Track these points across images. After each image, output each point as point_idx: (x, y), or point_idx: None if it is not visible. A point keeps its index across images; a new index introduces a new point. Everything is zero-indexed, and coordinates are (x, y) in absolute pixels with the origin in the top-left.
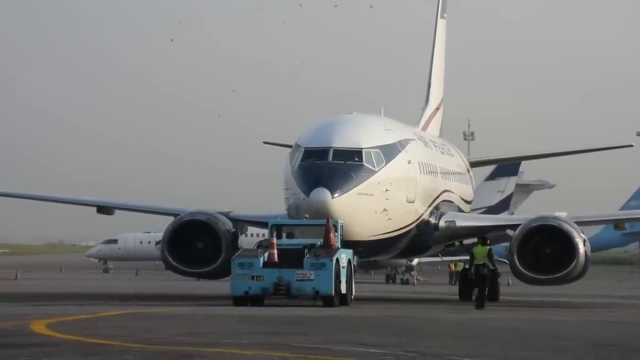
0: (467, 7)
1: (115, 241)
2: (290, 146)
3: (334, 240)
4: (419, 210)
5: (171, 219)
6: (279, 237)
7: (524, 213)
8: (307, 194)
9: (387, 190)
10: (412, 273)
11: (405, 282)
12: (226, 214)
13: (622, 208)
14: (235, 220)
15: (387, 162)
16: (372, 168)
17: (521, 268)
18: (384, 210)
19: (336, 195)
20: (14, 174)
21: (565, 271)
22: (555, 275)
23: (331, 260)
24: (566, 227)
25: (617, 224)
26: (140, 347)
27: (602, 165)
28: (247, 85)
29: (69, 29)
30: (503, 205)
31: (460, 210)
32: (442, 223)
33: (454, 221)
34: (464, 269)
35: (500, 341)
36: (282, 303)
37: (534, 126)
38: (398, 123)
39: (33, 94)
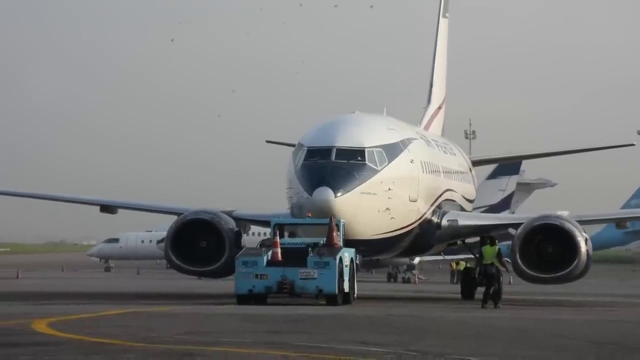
0: (468, 5)
1: (116, 240)
2: (293, 145)
3: (337, 239)
4: (421, 209)
5: (174, 218)
6: (281, 236)
7: (525, 212)
8: (310, 193)
9: (389, 189)
10: (414, 272)
11: (406, 281)
12: (229, 213)
13: (624, 207)
14: (239, 219)
15: (389, 162)
16: (374, 167)
17: (523, 267)
18: (387, 209)
19: (339, 194)
20: (14, 173)
21: (567, 270)
22: (557, 274)
23: (335, 259)
24: (568, 226)
25: (619, 222)
26: (141, 346)
27: (603, 164)
28: (249, 85)
29: (69, 29)
30: (504, 204)
31: (462, 209)
32: (444, 222)
33: (456, 220)
34: (466, 268)
35: (502, 340)
36: (284, 302)
37: (535, 125)
38: (400, 122)
39: (34, 93)
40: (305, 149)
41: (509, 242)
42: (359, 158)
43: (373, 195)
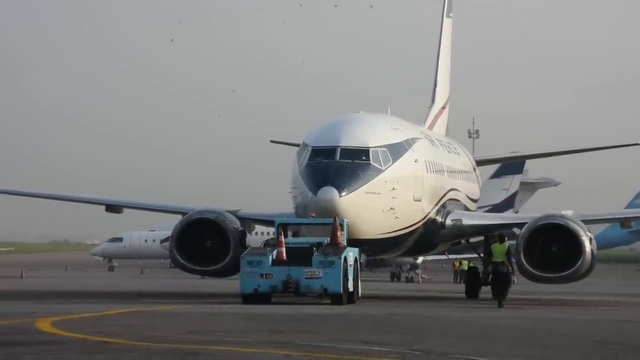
0: (472, 4)
1: (120, 239)
2: (297, 145)
3: (341, 239)
4: (425, 208)
5: (178, 217)
6: (285, 236)
7: (529, 211)
8: (315, 193)
9: (394, 189)
10: (417, 271)
11: (409, 280)
12: (234, 213)
13: (628, 206)
14: (243, 219)
15: (394, 161)
16: (379, 167)
17: (528, 266)
18: (391, 208)
19: (343, 194)
20: (15, 172)
21: (572, 269)
22: (562, 274)
23: (340, 258)
24: (572, 225)
25: (624, 222)
26: (145, 345)
27: (607, 163)
28: (252, 85)
29: (70, 29)
30: (508, 204)
31: (466, 208)
32: (448, 221)
33: (460, 220)
34: (471, 267)
35: (506, 339)
36: (287, 301)
37: (538, 124)
38: (405, 122)
39: (35, 93)
40: (310, 148)
41: (513, 242)
42: (364, 158)
43: (377, 195)
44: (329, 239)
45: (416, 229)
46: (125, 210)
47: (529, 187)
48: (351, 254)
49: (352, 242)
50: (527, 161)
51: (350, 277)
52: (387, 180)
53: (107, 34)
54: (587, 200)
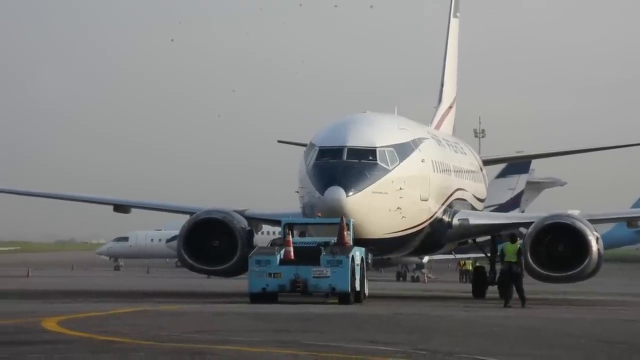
0: (479, 4)
1: (126, 239)
2: (304, 145)
3: (348, 238)
4: (432, 208)
5: (185, 217)
6: (291, 235)
7: (535, 211)
8: (322, 193)
9: (401, 188)
10: (423, 271)
11: (415, 280)
12: (241, 213)
13: (635, 205)
14: (251, 219)
15: (401, 161)
16: (386, 167)
17: (534, 266)
18: (398, 208)
19: (350, 193)
20: (15, 172)
21: (578, 269)
22: (568, 273)
23: (347, 257)
24: (579, 225)
25: (630, 221)
26: (151, 345)
27: (613, 163)
28: (254, 85)
29: (70, 29)
30: (514, 203)
31: (473, 208)
32: (455, 221)
33: (467, 219)
34: (477, 267)
35: (512, 339)
36: (294, 300)
37: (545, 123)
38: (412, 122)
39: (35, 94)
40: (317, 148)
41: (520, 241)
42: (371, 158)
43: (384, 195)
44: (335, 238)
45: (423, 228)
46: (132, 210)
47: (535, 187)
48: (358, 253)
49: (359, 241)
50: (533, 161)
51: (357, 277)
52: (394, 180)
53: (108, 34)
54: (593, 199)
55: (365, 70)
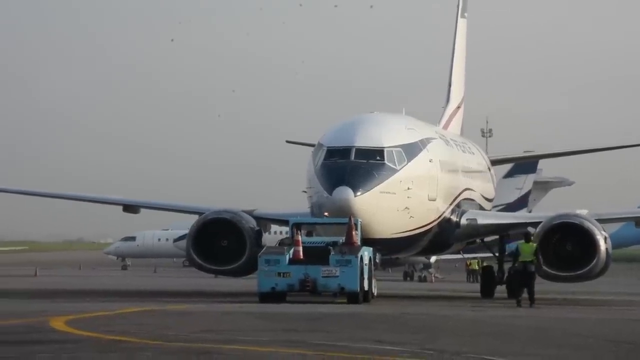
0: (486, 3)
1: (133, 238)
2: (312, 145)
3: (356, 238)
4: (440, 208)
5: (194, 217)
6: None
7: (543, 210)
8: (330, 193)
9: (408, 188)
10: (430, 270)
11: (422, 280)
12: (250, 212)
13: None
14: (259, 219)
15: (408, 161)
16: (394, 167)
17: (543, 265)
18: (406, 208)
19: (359, 193)
20: (15, 172)
21: (587, 268)
22: (577, 273)
23: (356, 257)
24: (587, 224)
25: (638, 221)
26: (158, 344)
27: (621, 162)
28: (254, 85)
29: (70, 29)
30: (521, 203)
31: (481, 208)
32: (463, 221)
33: (475, 219)
34: (485, 266)
35: (519, 339)
36: (302, 300)
37: (552, 123)
38: (419, 122)
39: (36, 94)
40: (325, 148)
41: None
42: (378, 158)
43: (392, 195)
44: (343, 238)
45: (431, 228)
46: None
47: (543, 186)
48: (366, 253)
49: (367, 241)
50: (541, 160)
51: (366, 276)
52: (402, 180)
53: (108, 33)
54: (601, 199)
55: (373, 71)
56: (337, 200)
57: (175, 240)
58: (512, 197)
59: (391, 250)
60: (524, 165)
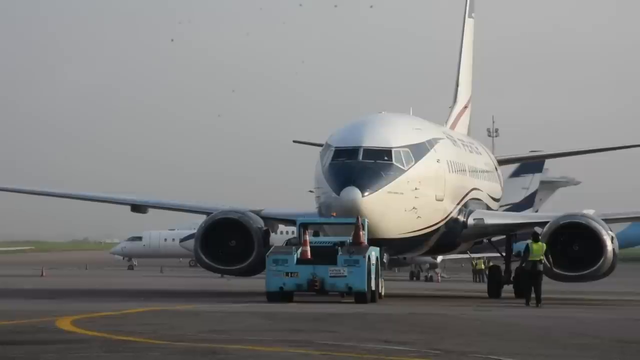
0: (493, 4)
1: (139, 238)
2: (320, 145)
3: (363, 238)
4: (447, 208)
5: (201, 217)
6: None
7: (549, 210)
8: (338, 193)
9: (416, 188)
10: (436, 270)
11: (429, 280)
12: (258, 212)
13: None
14: (267, 219)
15: (416, 161)
16: (401, 167)
17: (549, 265)
18: (414, 208)
19: (366, 194)
20: (15, 172)
21: (593, 268)
22: (583, 272)
23: (364, 257)
24: (594, 224)
25: None
26: (165, 344)
27: (627, 162)
28: (255, 85)
29: (69, 29)
30: (528, 202)
31: (488, 208)
32: (470, 221)
33: (482, 219)
34: (492, 266)
35: (526, 339)
36: (308, 299)
37: (559, 123)
38: (427, 122)
39: (44, 93)
40: (333, 149)
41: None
42: (386, 158)
43: (400, 195)
44: (350, 238)
45: (438, 228)
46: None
47: (549, 186)
48: (373, 253)
49: (375, 241)
50: (547, 160)
51: (373, 276)
52: (410, 180)
53: (108, 33)
54: (607, 199)
55: (381, 71)
56: (345, 200)
57: (182, 240)
58: (519, 197)
59: (398, 250)
60: (531, 165)
